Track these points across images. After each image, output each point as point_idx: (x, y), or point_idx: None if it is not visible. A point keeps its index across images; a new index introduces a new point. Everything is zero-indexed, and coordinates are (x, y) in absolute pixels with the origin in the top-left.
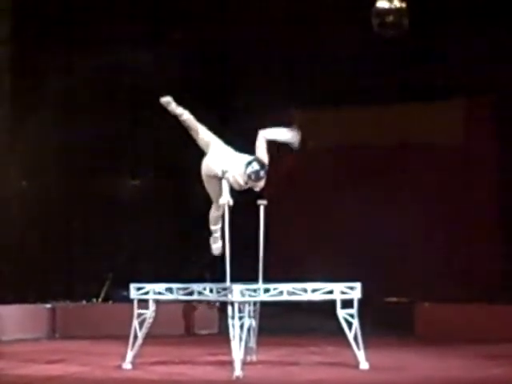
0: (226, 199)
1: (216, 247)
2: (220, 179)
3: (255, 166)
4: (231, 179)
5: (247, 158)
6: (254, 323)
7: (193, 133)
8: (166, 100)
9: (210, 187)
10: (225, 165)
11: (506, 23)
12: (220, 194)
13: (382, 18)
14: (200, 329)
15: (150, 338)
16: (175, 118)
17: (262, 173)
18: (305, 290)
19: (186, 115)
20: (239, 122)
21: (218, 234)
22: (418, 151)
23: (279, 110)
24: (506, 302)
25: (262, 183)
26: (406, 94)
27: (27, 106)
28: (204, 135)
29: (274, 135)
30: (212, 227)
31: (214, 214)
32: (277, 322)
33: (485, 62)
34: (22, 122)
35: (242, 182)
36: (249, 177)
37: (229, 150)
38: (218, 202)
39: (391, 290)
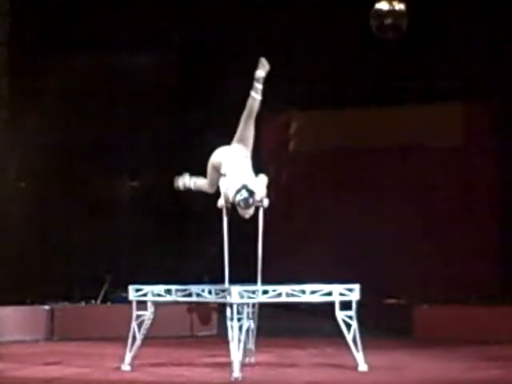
0: (222, 202)
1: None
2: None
3: (244, 194)
4: (223, 187)
5: (248, 180)
6: (252, 325)
7: (244, 113)
8: (265, 64)
9: (210, 172)
10: (230, 170)
11: (506, 24)
12: (213, 183)
13: (381, 19)
14: (199, 330)
15: (148, 339)
16: (179, 118)
17: (250, 201)
18: (303, 292)
19: (258, 95)
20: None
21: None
22: (417, 153)
23: (279, 111)
24: (505, 304)
25: (250, 211)
26: (404, 96)
27: (26, 107)
28: (248, 129)
29: None
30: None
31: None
32: (275, 324)
33: (485, 65)
34: (21, 123)
35: (230, 199)
36: (238, 204)
37: (246, 161)
38: (210, 187)
39: (390, 291)
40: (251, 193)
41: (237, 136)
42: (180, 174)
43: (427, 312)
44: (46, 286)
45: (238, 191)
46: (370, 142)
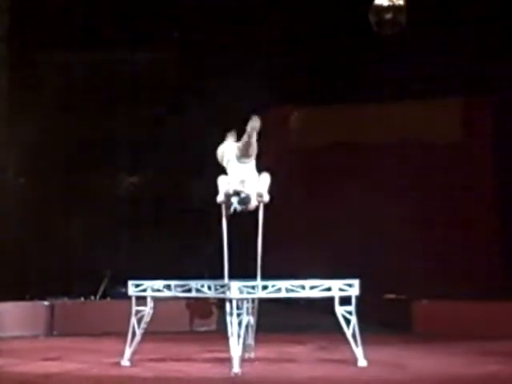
0: (222, 198)
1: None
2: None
3: (234, 203)
4: (223, 184)
5: (248, 179)
6: (252, 320)
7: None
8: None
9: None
10: (231, 168)
11: (506, 21)
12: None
13: (380, 15)
14: (198, 326)
15: (148, 334)
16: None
17: (240, 208)
18: (303, 287)
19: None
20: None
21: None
22: (417, 150)
23: (279, 108)
24: (504, 299)
25: (251, 206)
26: (404, 93)
27: (25, 103)
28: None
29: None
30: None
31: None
32: (275, 319)
33: (484, 61)
34: (20, 119)
35: (231, 191)
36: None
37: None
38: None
39: (390, 287)
40: (242, 201)
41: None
42: None
43: (427, 307)
44: (45, 281)
45: (234, 194)
46: (369, 138)
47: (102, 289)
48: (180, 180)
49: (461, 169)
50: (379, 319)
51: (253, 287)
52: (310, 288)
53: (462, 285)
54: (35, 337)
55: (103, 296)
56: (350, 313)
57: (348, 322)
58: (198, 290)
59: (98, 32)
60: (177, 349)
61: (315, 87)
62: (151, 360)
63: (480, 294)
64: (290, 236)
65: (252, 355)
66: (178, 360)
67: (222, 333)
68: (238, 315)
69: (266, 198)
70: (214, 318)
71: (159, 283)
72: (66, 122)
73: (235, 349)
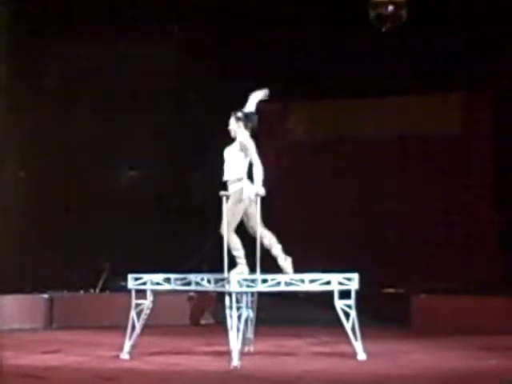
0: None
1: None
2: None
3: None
4: None
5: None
6: (251, 314)
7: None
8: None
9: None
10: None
11: (505, 17)
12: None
13: (380, 9)
14: (197, 319)
15: (147, 328)
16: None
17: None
18: (302, 281)
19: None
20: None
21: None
22: (417, 144)
23: (280, 103)
24: (503, 294)
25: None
26: (404, 87)
27: (25, 97)
28: None
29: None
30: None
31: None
32: (274, 313)
33: (484, 56)
34: (20, 113)
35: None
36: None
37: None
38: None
39: (388, 281)
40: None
41: None
42: None
43: (425, 302)
44: (44, 274)
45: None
46: (369, 132)
47: (101, 282)
48: (180, 176)
49: (460, 165)
50: (378, 313)
51: (252, 281)
52: (309, 282)
53: (460, 279)
54: (34, 330)
55: (103, 289)
56: (349, 307)
57: (347, 315)
58: (197, 284)
59: (98, 27)
60: (176, 342)
61: (314, 82)
62: (150, 353)
63: (479, 288)
64: (289, 230)
65: (251, 349)
66: (178, 353)
67: (221, 326)
68: (238, 309)
69: (262, 191)
70: (214, 311)
71: (159, 276)
72: (66, 116)
73: (234, 342)
